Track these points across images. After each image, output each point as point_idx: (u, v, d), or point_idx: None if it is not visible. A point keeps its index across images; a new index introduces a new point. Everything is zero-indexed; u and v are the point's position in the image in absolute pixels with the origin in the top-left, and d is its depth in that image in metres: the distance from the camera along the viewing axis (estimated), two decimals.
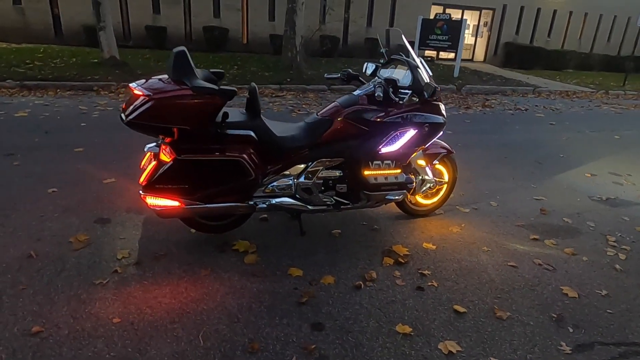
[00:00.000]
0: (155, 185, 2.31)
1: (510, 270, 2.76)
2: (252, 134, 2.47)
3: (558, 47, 18.16)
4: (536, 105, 9.19)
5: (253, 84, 2.55)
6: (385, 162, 2.82)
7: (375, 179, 2.79)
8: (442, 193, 3.36)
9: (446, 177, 3.31)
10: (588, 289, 2.62)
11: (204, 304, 2.23)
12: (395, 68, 2.99)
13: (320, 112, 2.84)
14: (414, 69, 2.78)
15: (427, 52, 13.66)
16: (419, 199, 3.30)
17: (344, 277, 2.56)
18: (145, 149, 2.57)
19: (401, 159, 2.86)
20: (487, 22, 17.29)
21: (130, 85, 2.34)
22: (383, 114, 2.72)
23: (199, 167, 2.34)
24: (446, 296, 2.45)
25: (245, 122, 2.48)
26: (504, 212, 3.62)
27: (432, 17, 13.15)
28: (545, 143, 6.02)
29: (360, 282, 2.50)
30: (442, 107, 2.94)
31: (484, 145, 5.69)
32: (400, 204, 3.26)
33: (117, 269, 2.46)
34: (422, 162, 3.12)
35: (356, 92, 2.87)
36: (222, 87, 2.30)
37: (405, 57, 2.89)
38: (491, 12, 16.99)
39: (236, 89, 2.34)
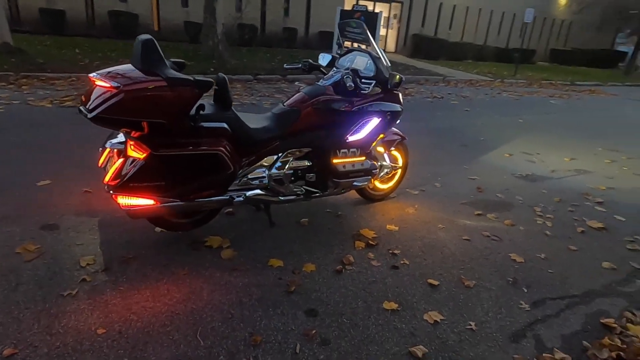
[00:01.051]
0: (129, 183, 2.15)
1: (466, 243, 3.05)
2: (226, 126, 2.41)
3: (458, 40, 19.80)
4: (449, 93, 9.99)
5: (221, 74, 2.47)
6: (352, 150, 2.93)
7: (344, 166, 2.89)
8: (396, 177, 3.57)
9: (400, 162, 3.52)
10: (530, 254, 2.99)
11: (192, 304, 2.16)
12: (355, 58, 3.09)
13: (287, 103, 2.84)
14: (376, 59, 2.91)
15: (348, 43, 14.02)
16: (377, 184, 3.47)
17: (323, 263, 2.63)
18: (108, 145, 2.38)
19: (365, 147, 2.99)
20: (396, 15, 18.22)
21: (91, 75, 2.14)
22: (351, 103, 2.82)
23: (176, 162, 2.22)
24: (419, 272, 2.64)
25: (218, 114, 2.41)
26: (448, 192, 3.96)
27: (347, 8, 13.53)
28: (465, 128, 6.61)
29: (341, 267, 2.59)
30: (401, 96, 3.12)
31: (415, 132, 6.05)
32: (360, 190, 3.40)
33: (84, 277, 2.26)
34: (380, 149, 3.28)
35: (321, 82, 2.92)
36: (197, 78, 2.20)
37: (367, 49, 3.00)
38: (400, 4, 17.93)
39: (213, 81, 2.26)
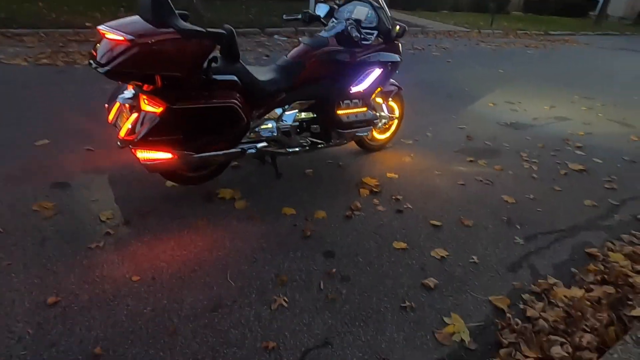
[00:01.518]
0: (148, 137, 2.18)
1: (461, 188, 3.25)
2: (236, 78, 2.43)
3: None
4: (429, 45, 9.99)
5: (228, 26, 2.46)
6: (354, 100, 3.00)
7: (347, 117, 2.97)
8: (393, 128, 3.69)
9: (397, 113, 3.63)
10: (520, 195, 3.22)
11: (217, 251, 2.28)
12: (354, 9, 3.09)
13: (290, 55, 2.86)
14: (378, 9, 2.93)
15: None
16: (375, 134, 3.58)
17: (332, 210, 2.77)
18: (119, 100, 2.37)
19: (367, 97, 3.07)
20: None
21: (100, 28, 2.11)
22: (354, 54, 2.86)
23: (193, 116, 2.25)
24: (421, 215, 2.82)
25: (227, 66, 2.42)
26: (440, 141, 4.12)
27: None
28: (448, 79, 6.72)
29: (349, 212, 2.74)
30: (400, 46, 3.17)
31: (402, 84, 6.14)
32: (359, 140, 3.51)
33: (108, 230, 2.32)
34: (379, 100, 3.37)
35: (323, 33, 2.93)
36: (209, 29, 2.20)
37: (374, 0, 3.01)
38: None
39: (225, 32, 2.25)
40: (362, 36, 2.80)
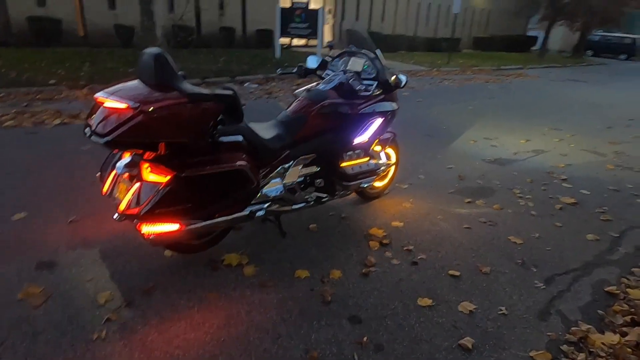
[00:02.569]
0: (155, 210, 1.99)
1: (468, 231, 3.20)
2: (242, 138, 2.31)
3: (391, 32, 20.43)
4: None
5: (229, 85, 2.36)
6: (356, 151, 2.94)
7: (352, 169, 2.89)
8: (390, 174, 3.64)
9: (393, 159, 3.59)
10: (525, 235, 3.20)
11: (234, 328, 2.07)
12: (349, 60, 3.09)
13: (291, 109, 2.78)
14: (375, 60, 2.93)
15: (286, 40, 13.93)
16: (374, 182, 3.51)
17: (347, 267, 2.63)
18: (118, 170, 2.18)
19: (368, 147, 3.02)
20: (331, 9, 18.39)
21: (98, 95, 1.96)
22: (356, 106, 2.82)
23: (202, 182, 2.09)
24: (437, 265, 2.73)
25: (232, 127, 2.30)
26: (434, 183, 4.11)
27: (281, 4, 13.45)
28: (424, 118, 6.87)
29: (365, 269, 2.61)
30: (396, 94, 3.18)
31: None
32: (359, 190, 3.43)
33: (108, 316, 2.07)
34: (377, 148, 3.33)
35: (321, 86, 2.89)
36: (215, 91, 2.09)
37: (366, 51, 3.01)
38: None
39: (232, 94, 2.15)
40: (364, 87, 2.78)
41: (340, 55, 3.18)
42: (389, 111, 3.03)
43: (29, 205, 3.08)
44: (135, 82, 2.06)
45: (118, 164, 2.21)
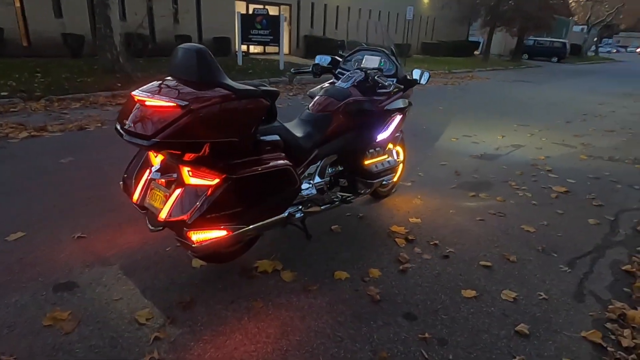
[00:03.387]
0: (207, 215, 1.85)
1: (483, 223, 3.27)
2: (279, 137, 2.22)
3: (345, 39, 20.73)
4: None
5: (259, 81, 2.26)
6: (377, 149, 2.92)
7: (376, 166, 2.87)
8: (399, 172, 3.65)
9: (402, 157, 3.60)
10: (535, 223, 3.32)
11: (293, 336, 1.96)
12: (363, 58, 3.07)
13: (313, 108, 2.71)
14: (391, 57, 2.94)
15: (243, 47, 13.74)
16: None
17: (383, 265, 2.59)
18: (154, 175, 2.01)
19: (386, 144, 3.01)
20: (287, 17, 18.38)
21: (136, 94, 1.81)
22: (379, 102, 2.80)
23: (253, 184, 1.97)
24: (467, 257, 2.76)
25: (269, 125, 2.20)
26: (434, 179, 4.17)
27: (238, 11, 13.31)
28: None
29: (403, 266, 2.58)
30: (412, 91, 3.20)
31: None
32: None
33: (155, 334, 1.89)
34: (390, 145, 3.32)
35: (340, 84, 2.83)
36: (261, 87, 1.99)
37: (381, 48, 3.01)
38: (288, 7, 18.15)
39: (278, 90, 2.05)
40: (388, 83, 2.77)
41: (352, 54, 3.16)
42: (406, 107, 3.04)
43: (25, 225, 2.78)
44: (170, 80, 1.92)
45: (153, 169, 2.05)
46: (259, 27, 11.80)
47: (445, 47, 26.43)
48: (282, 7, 18.09)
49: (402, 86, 2.95)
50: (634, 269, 2.72)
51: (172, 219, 1.89)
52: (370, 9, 22.15)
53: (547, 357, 1.93)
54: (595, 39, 45.58)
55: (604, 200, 3.87)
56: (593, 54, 44.31)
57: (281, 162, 2.10)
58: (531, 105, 9.49)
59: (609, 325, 2.18)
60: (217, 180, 1.89)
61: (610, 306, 2.32)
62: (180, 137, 1.75)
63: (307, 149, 2.43)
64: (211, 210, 1.86)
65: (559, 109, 9.03)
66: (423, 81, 2.94)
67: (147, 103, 1.78)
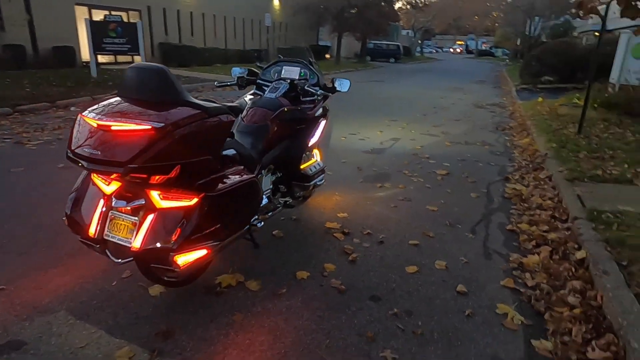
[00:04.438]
0: (191, 237, 1.81)
1: (396, 209, 3.73)
2: (235, 151, 2.26)
3: (202, 45, 20.27)
4: (238, 96, 10.44)
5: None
6: (307, 153, 3.12)
7: (310, 169, 3.06)
8: None
9: (319, 158, 3.85)
10: (435, 203, 3.90)
11: (284, 338, 2.05)
12: (281, 69, 3.22)
13: (249, 119, 2.77)
14: (311, 67, 3.15)
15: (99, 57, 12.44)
16: None
17: (335, 259, 2.81)
18: (116, 205, 1.87)
19: (313, 148, 3.22)
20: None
21: (92, 117, 1.69)
22: (309, 110, 2.99)
23: (227, 198, 1.99)
24: (397, 239, 3.15)
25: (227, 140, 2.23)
26: (342, 175, 4.55)
27: (86, 17, 12.06)
28: None
29: (351, 257, 2.84)
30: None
31: None
32: None
33: None
34: (315, 150, 3.54)
35: (269, 95, 2.94)
36: (225, 104, 2.01)
37: (300, 59, 3.18)
38: (137, 13, 16.96)
39: (239, 105, 2.09)
40: (319, 92, 2.96)
41: (271, 65, 3.28)
42: (327, 113, 3.30)
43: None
44: (121, 101, 1.83)
45: (113, 199, 1.91)
46: (114, 35, 10.82)
47: (298, 51, 27.73)
48: (130, 12, 16.83)
49: (330, 94, 3.20)
50: (514, 228, 3.45)
51: (151, 246, 1.81)
52: (225, 15, 22.03)
53: (485, 306, 2.39)
54: (420, 42, 52.98)
55: (475, 177, 4.72)
56: (419, 54, 51.34)
57: (246, 176, 2.16)
58: (391, 101, 10.73)
59: (515, 273, 2.77)
60: (195, 200, 1.87)
61: (510, 258, 2.94)
62: (157, 160, 1.71)
63: (256, 160, 2.51)
64: (195, 231, 1.85)
65: (414, 104, 10.42)
66: (345, 89, 3.23)
67: (113, 128, 1.68)
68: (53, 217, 3.12)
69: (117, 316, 2.13)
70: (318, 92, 2.89)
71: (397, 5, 33.20)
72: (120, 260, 1.93)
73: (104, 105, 1.81)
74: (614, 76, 7.95)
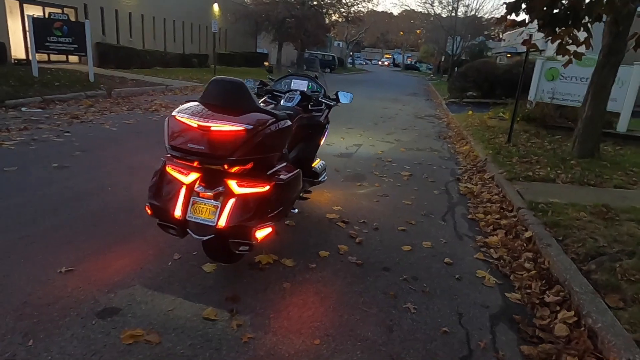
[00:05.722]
0: (266, 215, 2.30)
1: (379, 203, 4.39)
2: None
3: (140, 47, 19.75)
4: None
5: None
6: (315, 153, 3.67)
7: (318, 167, 3.61)
8: None
9: None
10: (408, 198, 4.63)
11: (329, 298, 2.58)
12: (291, 82, 3.73)
13: None
14: (318, 80, 3.70)
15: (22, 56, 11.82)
16: None
17: (345, 242, 3.38)
18: (200, 190, 2.30)
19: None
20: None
21: (189, 118, 2.16)
22: (320, 116, 3.54)
23: (288, 186, 2.48)
24: (387, 226, 3.80)
25: None
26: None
27: (30, 14, 11.46)
28: None
29: (358, 240, 3.43)
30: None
31: None
32: None
33: (235, 322, 2.23)
34: None
35: (286, 104, 3.43)
36: (286, 112, 2.52)
37: (306, 73, 3.71)
38: (73, 10, 16.21)
39: (292, 112, 2.60)
40: (332, 103, 3.52)
41: (282, 78, 3.78)
42: (329, 120, 3.88)
43: (74, 257, 2.47)
44: (201, 106, 2.29)
45: (196, 186, 2.33)
46: (59, 34, 10.45)
47: (239, 58, 27.92)
48: (65, 9, 16.03)
49: (336, 104, 3.76)
50: (474, 217, 4.27)
51: (234, 224, 2.26)
52: (164, 17, 21.63)
53: (468, 272, 3.11)
54: (352, 54, 55.33)
55: (433, 178, 5.56)
56: (351, 65, 53.57)
57: (294, 169, 2.67)
58: (341, 111, 11.48)
59: (482, 249, 3.54)
60: (267, 187, 2.35)
61: (476, 239, 3.72)
62: (247, 154, 2.18)
63: (288, 158, 3.02)
64: (269, 211, 2.33)
65: (363, 113, 11.29)
66: (347, 101, 3.81)
67: (213, 128, 2.13)
68: (79, 211, 3.35)
69: (186, 288, 2.53)
70: (331, 103, 3.47)
71: (333, 17, 34.55)
72: (202, 237, 2.34)
73: (191, 109, 2.25)
74: (531, 94, 9.42)
